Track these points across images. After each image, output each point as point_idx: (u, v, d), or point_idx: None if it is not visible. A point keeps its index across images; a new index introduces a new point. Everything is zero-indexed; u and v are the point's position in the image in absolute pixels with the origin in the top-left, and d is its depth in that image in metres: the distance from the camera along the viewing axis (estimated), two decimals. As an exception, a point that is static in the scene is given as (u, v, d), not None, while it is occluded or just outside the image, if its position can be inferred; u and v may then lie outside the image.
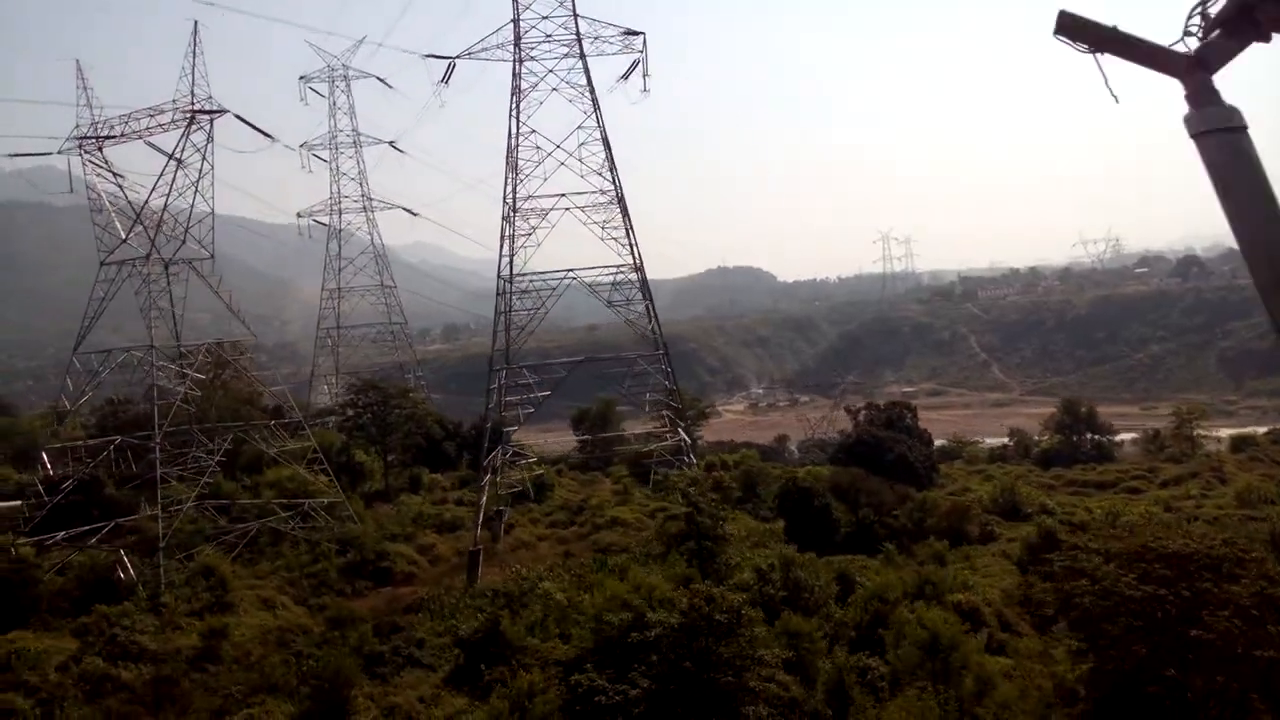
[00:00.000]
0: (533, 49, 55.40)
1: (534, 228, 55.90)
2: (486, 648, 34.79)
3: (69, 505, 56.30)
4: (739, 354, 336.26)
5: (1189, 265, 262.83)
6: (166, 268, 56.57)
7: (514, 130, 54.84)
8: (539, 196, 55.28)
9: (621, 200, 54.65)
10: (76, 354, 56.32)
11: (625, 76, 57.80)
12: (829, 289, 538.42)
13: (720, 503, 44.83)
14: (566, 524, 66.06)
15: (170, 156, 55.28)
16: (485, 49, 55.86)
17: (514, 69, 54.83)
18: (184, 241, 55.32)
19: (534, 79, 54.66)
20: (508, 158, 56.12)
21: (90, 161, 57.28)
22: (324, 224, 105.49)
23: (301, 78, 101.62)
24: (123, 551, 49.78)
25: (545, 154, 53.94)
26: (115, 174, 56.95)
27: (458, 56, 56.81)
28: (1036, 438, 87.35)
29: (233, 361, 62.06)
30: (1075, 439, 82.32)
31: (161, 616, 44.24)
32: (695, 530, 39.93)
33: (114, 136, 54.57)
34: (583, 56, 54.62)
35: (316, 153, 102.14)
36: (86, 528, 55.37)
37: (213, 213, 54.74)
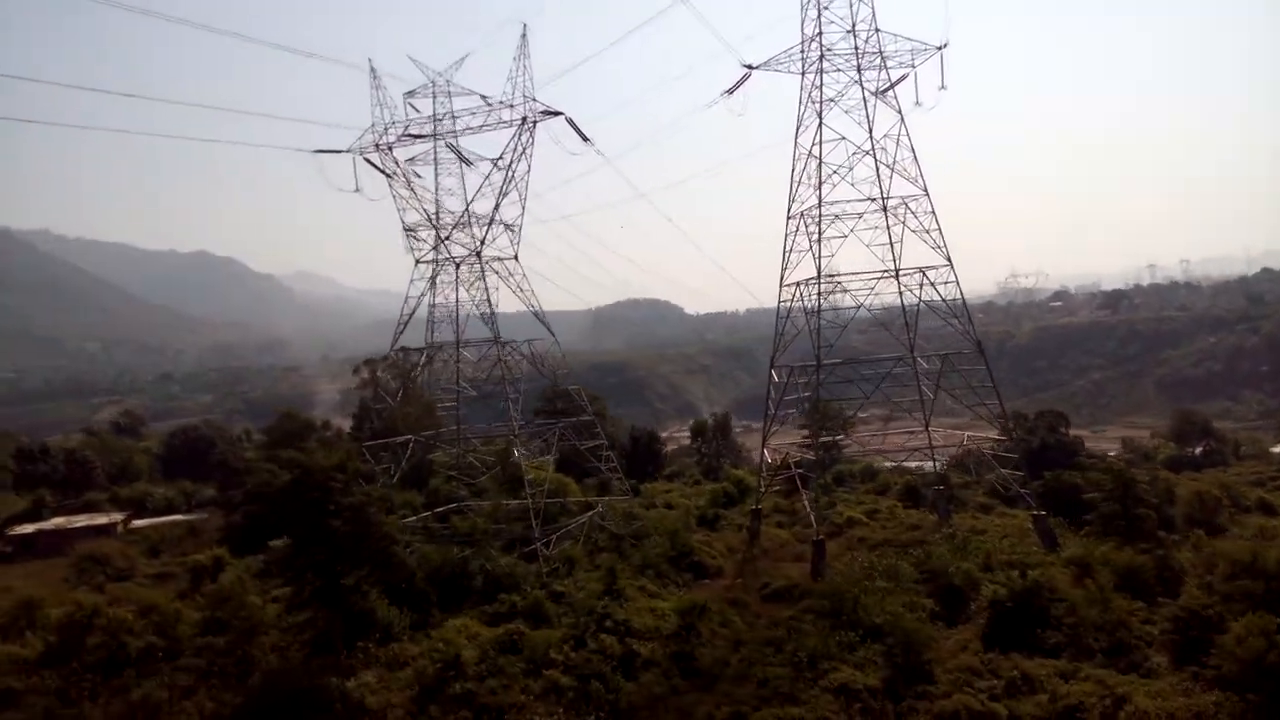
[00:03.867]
0: (818, 62, 58.40)
1: (816, 236, 58.68)
2: (1021, 612, 37.41)
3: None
4: (685, 382, 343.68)
5: (1118, 299, 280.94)
6: (457, 267, 56.87)
7: (819, 138, 57.54)
8: (846, 201, 58.00)
9: (929, 200, 58.01)
10: (395, 349, 55.99)
11: (884, 91, 60.65)
12: (737, 320, 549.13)
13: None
14: (790, 525, 68.53)
15: (474, 157, 55.94)
16: (779, 61, 58.70)
17: (817, 80, 57.67)
18: (484, 241, 55.77)
19: (820, 89, 57.65)
20: (796, 166, 58.97)
21: (374, 161, 57.42)
22: (419, 239, 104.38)
23: (407, 94, 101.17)
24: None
25: (851, 158, 56.77)
26: (394, 174, 57.20)
27: (758, 66, 59.22)
28: (1146, 446, 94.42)
29: (538, 363, 61.97)
30: (1189, 448, 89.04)
31: (563, 603, 44.87)
32: (1127, 510, 43.20)
33: (423, 136, 54.90)
34: (884, 69, 57.91)
35: (417, 169, 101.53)
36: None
37: (523, 213, 55.48)
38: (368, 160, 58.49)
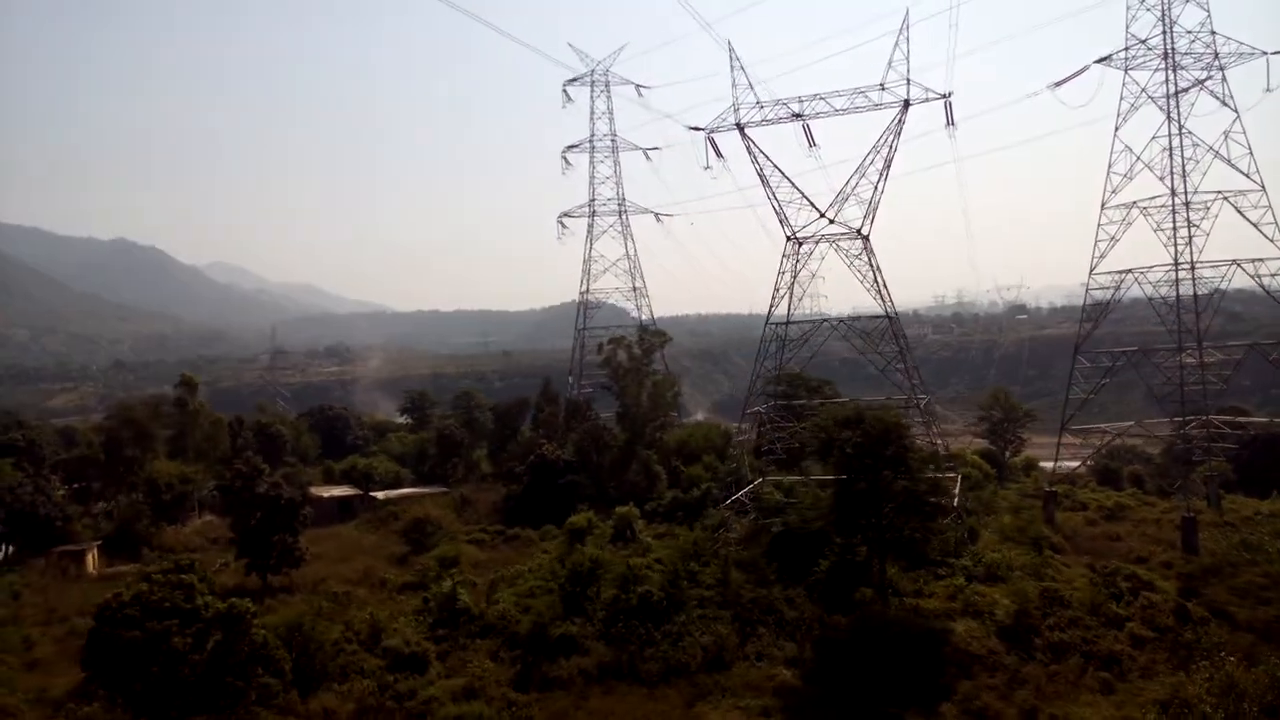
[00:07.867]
0: (1162, 60, 61.29)
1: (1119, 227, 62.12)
2: None
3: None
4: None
5: (1102, 311, 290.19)
6: (799, 245, 57.86)
7: (1170, 132, 60.33)
8: (1205, 193, 60.50)
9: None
10: (769, 325, 56.81)
11: (1186, 91, 63.47)
12: (696, 324, 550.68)
13: None
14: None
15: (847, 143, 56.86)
16: (1117, 59, 61.53)
17: (1160, 77, 60.69)
18: (865, 219, 56.90)
19: (1168, 84, 60.65)
20: (1117, 159, 61.92)
21: (714, 143, 58.17)
22: (566, 226, 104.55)
23: (570, 82, 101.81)
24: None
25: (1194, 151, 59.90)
26: (750, 152, 58.03)
27: (1099, 61, 61.85)
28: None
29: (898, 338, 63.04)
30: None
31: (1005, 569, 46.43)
32: None
33: (803, 115, 55.75)
34: (1220, 69, 60.87)
35: (567, 156, 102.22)
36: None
37: (880, 191, 56.69)
38: (709, 139, 59.27)
